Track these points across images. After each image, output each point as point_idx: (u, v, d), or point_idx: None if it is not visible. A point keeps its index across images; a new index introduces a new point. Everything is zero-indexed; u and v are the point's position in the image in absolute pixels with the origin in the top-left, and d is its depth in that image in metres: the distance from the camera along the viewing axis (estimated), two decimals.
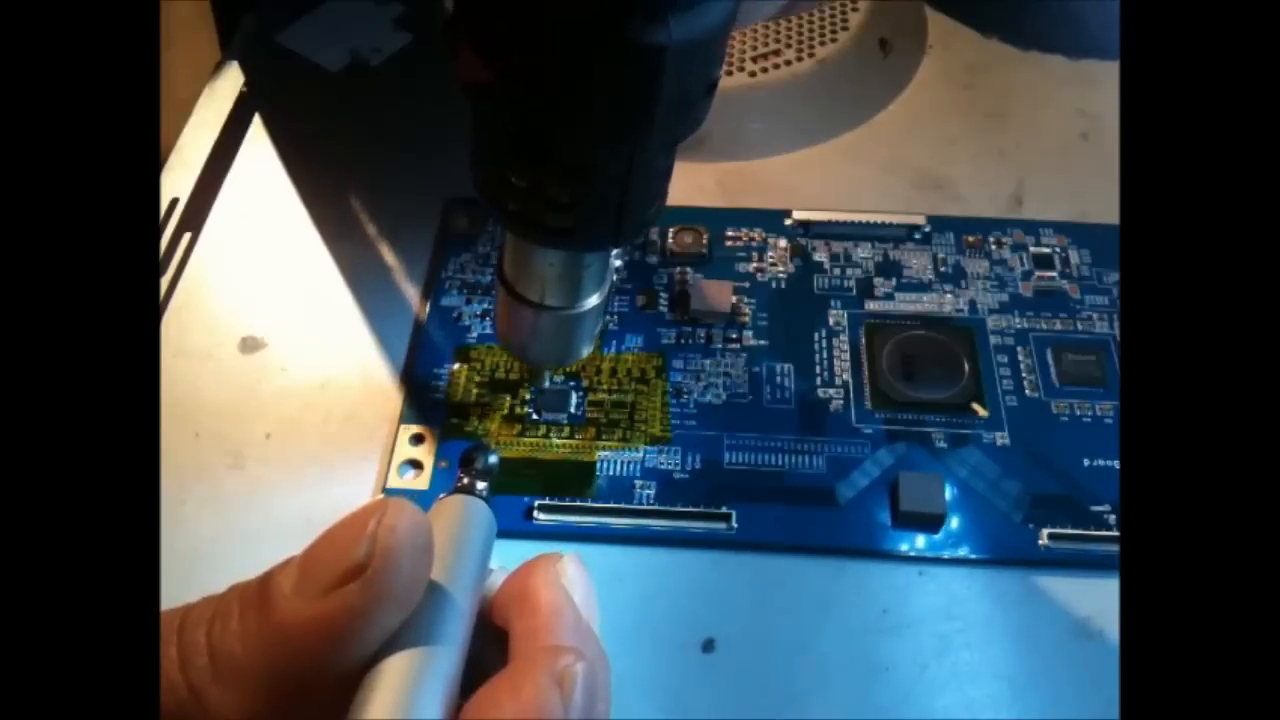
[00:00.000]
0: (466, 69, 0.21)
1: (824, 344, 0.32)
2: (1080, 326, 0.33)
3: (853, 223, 0.36)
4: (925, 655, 0.26)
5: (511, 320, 0.27)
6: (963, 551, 0.28)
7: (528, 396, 0.31)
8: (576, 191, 0.23)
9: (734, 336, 0.33)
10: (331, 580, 0.17)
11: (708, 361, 0.32)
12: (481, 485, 0.22)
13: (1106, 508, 0.29)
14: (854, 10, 0.41)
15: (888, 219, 0.36)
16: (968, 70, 0.42)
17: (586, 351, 0.28)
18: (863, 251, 0.35)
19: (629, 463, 0.30)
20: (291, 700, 0.17)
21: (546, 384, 0.31)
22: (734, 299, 0.33)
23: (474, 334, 0.33)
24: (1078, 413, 0.31)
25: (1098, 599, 0.27)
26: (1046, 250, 0.35)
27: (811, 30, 0.40)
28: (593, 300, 0.27)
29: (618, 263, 0.27)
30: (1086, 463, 0.30)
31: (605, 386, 0.31)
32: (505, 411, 0.31)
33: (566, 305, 0.26)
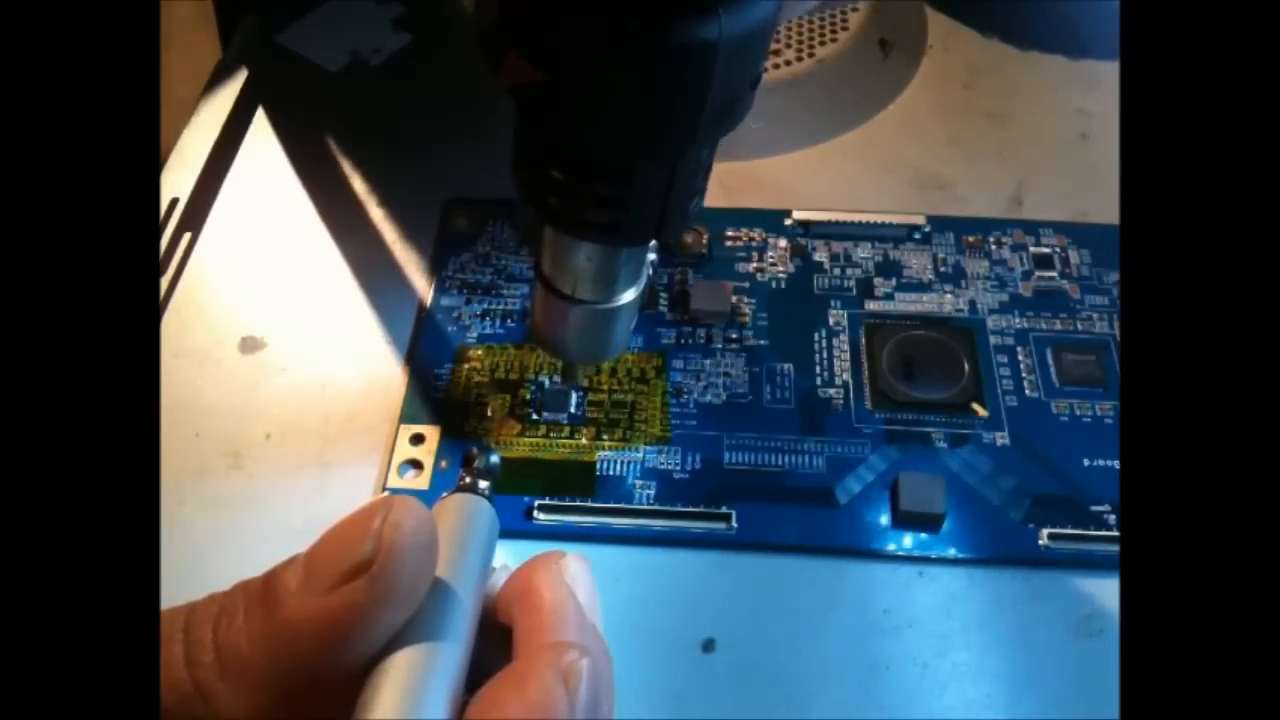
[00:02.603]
0: (514, 70, 0.21)
1: (824, 344, 0.32)
2: (1080, 326, 0.33)
3: (853, 223, 0.36)
4: (925, 655, 0.26)
5: (547, 315, 0.27)
6: (963, 551, 0.28)
7: (528, 396, 0.31)
8: (622, 189, 0.23)
9: (734, 336, 0.33)
10: (336, 577, 0.17)
11: (708, 361, 0.32)
12: (484, 484, 0.22)
13: (1106, 508, 0.29)
14: (854, 10, 0.41)
15: (888, 219, 0.36)
16: (968, 70, 0.42)
17: (622, 347, 0.28)
18: (863, 251, 0.35)
19: (629, 463, 0.30)
20: (297, 697, 0.17)
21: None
22: (734, 299, 0.33)
23: (474, 334, 0.33)
24: (1078, 413, 0.31)
25: (1098, 599, 0.27)
26: (1046, 250, 0.35)
27: (811, 30, 0.40)
28: (629, 295, 0.27)
29: (653, 256, 0.27)
30: (1086, 463, 0.30)
31: (605, 386, 0.31)
32: (505, 411, 0.31)
33: (603, 300, 0.26)
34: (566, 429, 0.30)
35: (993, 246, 0.35)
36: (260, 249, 0.35)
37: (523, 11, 0.21)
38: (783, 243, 0.35)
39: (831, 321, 0.33)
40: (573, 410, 0.31)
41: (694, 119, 0.21)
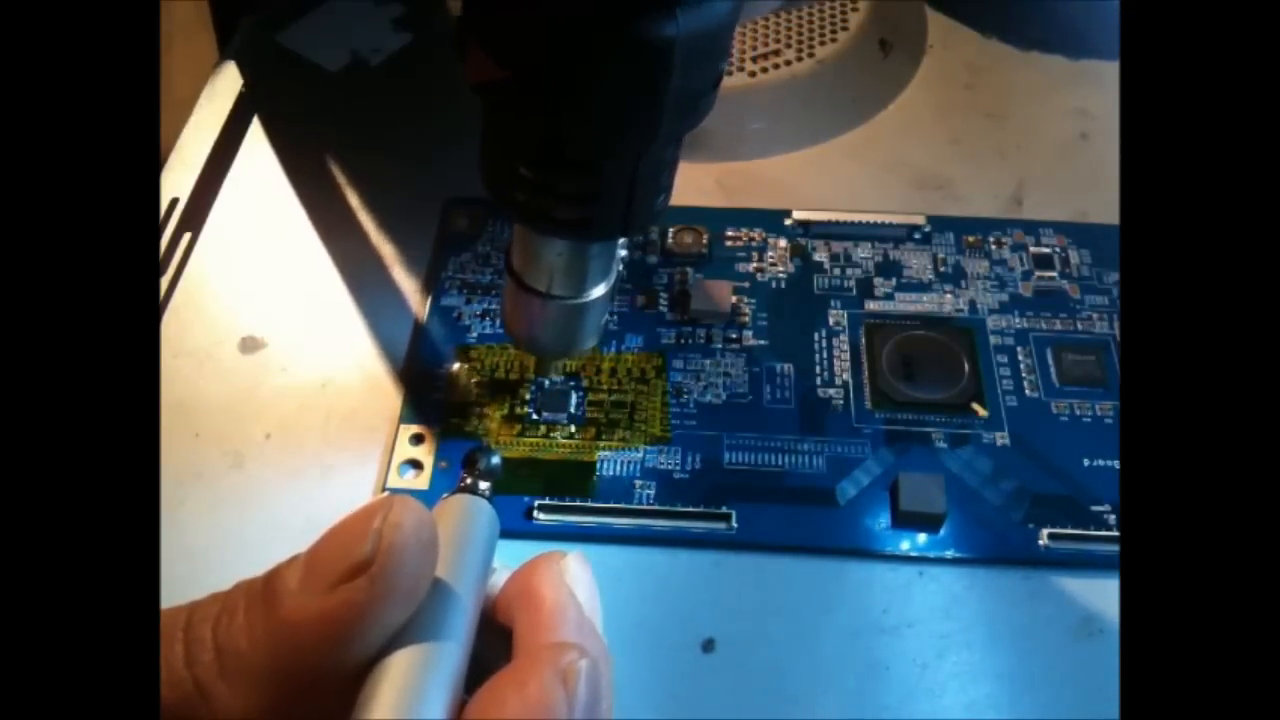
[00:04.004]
0: (478, 68, 0.22)
1: (824, 344, 0.32)
2: (1080, 326, 0.33)
3: (853, 223, 0.36)
4: (925, 655, 0.26)
5: (519, 310, 0.27)
6: (963, 551, 0.28)
7: (528, 396, 0.31)
8: (586, 185, 0.23)
9: (734, 336, 0.33)
10: (336, 576, 0.17)
11: (708, 361, 0.32)
12: (484, 485, 0.22)
13: (1106, 508, 0.29)
14: (854, 10, 0.41)
15: (888, 219, 0.36)
16: (968, 70, 0.42)
17: (593, 342, 0.29)
18: (863, 251, 0.35)
19: (629, 463, 0.30)
20: (296, 696, 0.17)
21: (552, 377, 0.31)
22: (734, 299, 0.33)
23: (474, 334, 0.33)
24: (1078, 413, 0.31)
25: (1098, 599, 0.27)
26: (1046, 250, 0.35)
27: (811, 30, 0.40)
28: (599, 290, 0.27)
29: (623, 253, 0.27)
30: (1086, 463, 0.30)
31: (605, 386, 0.31)
32: (505, 411, 0.31)
33: (573, 295, 0.27)
34: (566, 429, 0.30)
35: (993, 246, 0.35)
36: (260, 249, 0.35)
37: (485, 10, 0.21)
38: (783, 243, 0.35)
39: (831, 321, 0.33)
40: (573, 410, 0.31)
41: (654, 116, 0.22)
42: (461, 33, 0.22)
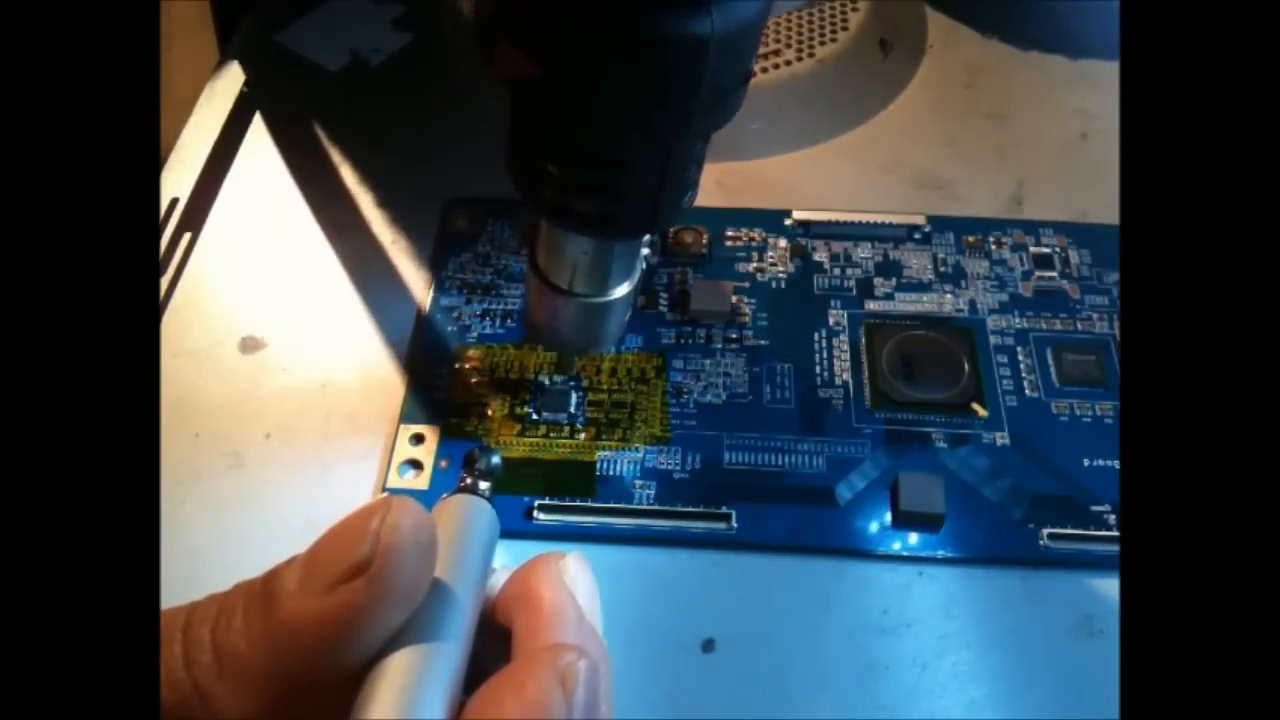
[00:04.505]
0: (508, 64, 0.21)
1: (824, 344, 0.32)
2: (1080, 326, 0.33)
3: (853, 223, 0.36)
4: (925, 655, 0.26)
5: (541, 306, 0.27)
6: (962, 551, 0.28)
7: (528, 396, 0.31)
8: (615, 182, 0.23)
9: (734, 336, 0.33)
10: (335, 578, 0.17)
11: (708, 361, 0.32)
12: (484, 485, 0.22)
13: (1106, 508, 0.29)
14: (854, 10, 0.41)
15: (888, 219, 0.36)
16: (968, 70, 0.42)
17: (615, 339, 0.29)
18: (863, 251, 0.35)
19: (629, 463, 0.30)
20: (295, 698, 0.17)
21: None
22: (734, 299, 0.33)
23: (474, 334, 0.33)
24: (1078, 413, 0.31)
25: (1098, 599, 0.27)
26: (1046, 250, 0.35)
27: (811, 30, 0.40)
28: (622, 290, 0.27)
29: (646, 250, 0.27)
30: (1086, 463, 0.30)
31: (605, 386, 0.31)
32: (505, 411, 0.31)
33: (596, 294, 0.27)
34: (566, 429, 0.30)
35: (993, 246, 0.35)
36: (260, 249, 0.35)
37: (518, 6, 0.21)
38: (783, 243, 0.35)
39: (831, 321, 0.33)
40: (573, 410, 0.31)
41: (687, 113, 0.21)
42: (489, 29, 0.22)
